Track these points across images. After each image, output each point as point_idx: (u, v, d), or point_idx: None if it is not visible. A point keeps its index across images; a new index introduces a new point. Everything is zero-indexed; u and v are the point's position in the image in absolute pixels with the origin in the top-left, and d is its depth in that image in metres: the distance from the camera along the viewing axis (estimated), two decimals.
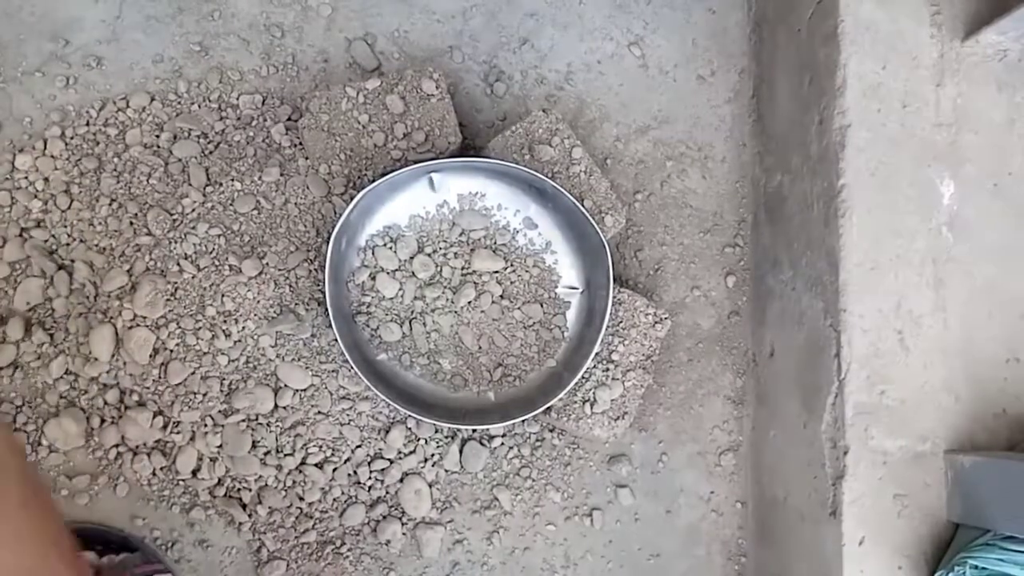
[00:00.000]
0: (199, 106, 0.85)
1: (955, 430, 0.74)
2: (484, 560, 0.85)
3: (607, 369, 0.83)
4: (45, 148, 0.82)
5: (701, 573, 0.89)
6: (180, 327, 0.79)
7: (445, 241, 0.84)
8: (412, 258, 0.83)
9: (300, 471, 0.81)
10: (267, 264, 0.81)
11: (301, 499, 0.80)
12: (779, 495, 0.83)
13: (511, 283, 0.85)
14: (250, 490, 0.80)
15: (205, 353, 0.80)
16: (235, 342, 0.80)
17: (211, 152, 0.84)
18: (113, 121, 0.84)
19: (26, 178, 0.81)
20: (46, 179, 0.81)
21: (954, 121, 0.78)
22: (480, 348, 0.84)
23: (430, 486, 0.83)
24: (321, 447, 0.81)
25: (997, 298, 0.77)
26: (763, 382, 0.89)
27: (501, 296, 0.85)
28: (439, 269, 0.84)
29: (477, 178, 0.85)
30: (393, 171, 0.80)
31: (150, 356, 0.79)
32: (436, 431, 0.84)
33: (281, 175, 0.84)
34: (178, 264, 0.80)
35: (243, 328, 0.80)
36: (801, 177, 0.83)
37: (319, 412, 0.81)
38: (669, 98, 0.95)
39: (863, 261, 0.74)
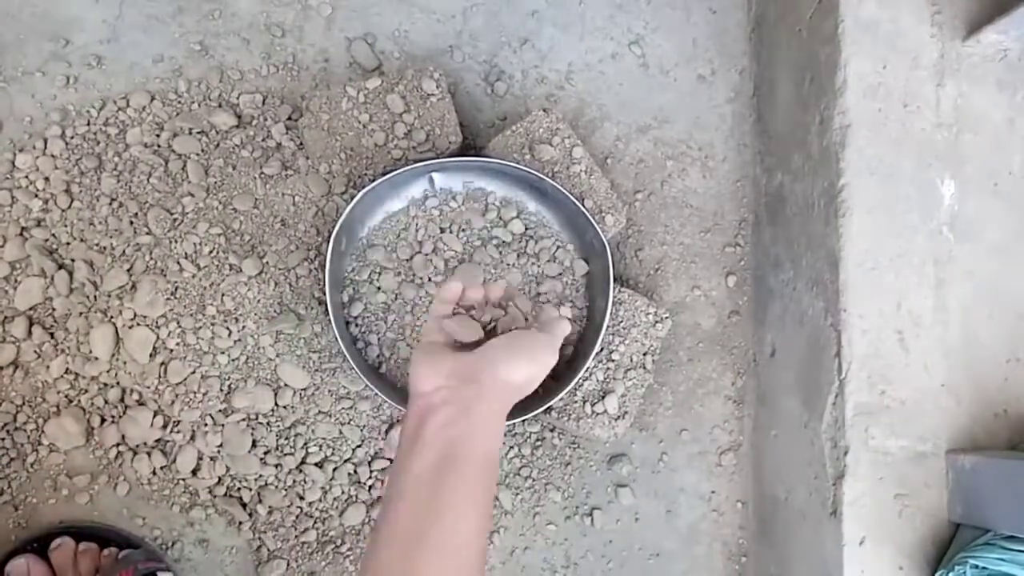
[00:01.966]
0: (199, 105, 0.85)
1: (956, 430, 0.74)
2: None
3: (607, 369, 0.83)
4: (45, 147, 0.82)
5: (701, 573, 0.89)
6: (180, 326, 0.79)
7: (444, 241, 0.84)
8: (412, 257, 0.83)
9: (300, 470, 0.81)
10: (267, 263, 0.82)
11: (301, 498, 0.80)
12: (780, 495, 0.83)
13: (510, 282, 0.85)
14: (250, 489, 0.80)
15: (205, 352, 0.80)
16: (235, 341, 0.80)
17: (212, 151, 0.84)
18: (113, 120, 0.84)
19: (26, 177, 0.81)
20: (46, 178, 0.81)
21: (955, 121, 0.78)
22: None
23: None
24: (321, 446, 0.81)
25: (998, 298, 0.77)
26: (764, 382, 0.89)
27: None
28: (439, 268, 0.84)
29: (478, 177, 0.85)
30: (393, 170, 0.80)
31: (150, 355, 0.79)
32: None
33: (281, 174, 0.84)
34: (178, 263, 0.80)
35: (243, 327, 0.80)
36: (802, 177, 0.83)
37: (319, 411, 0.81)
38: (669, 98, 0.95)
39: (863, 261, 0.74)
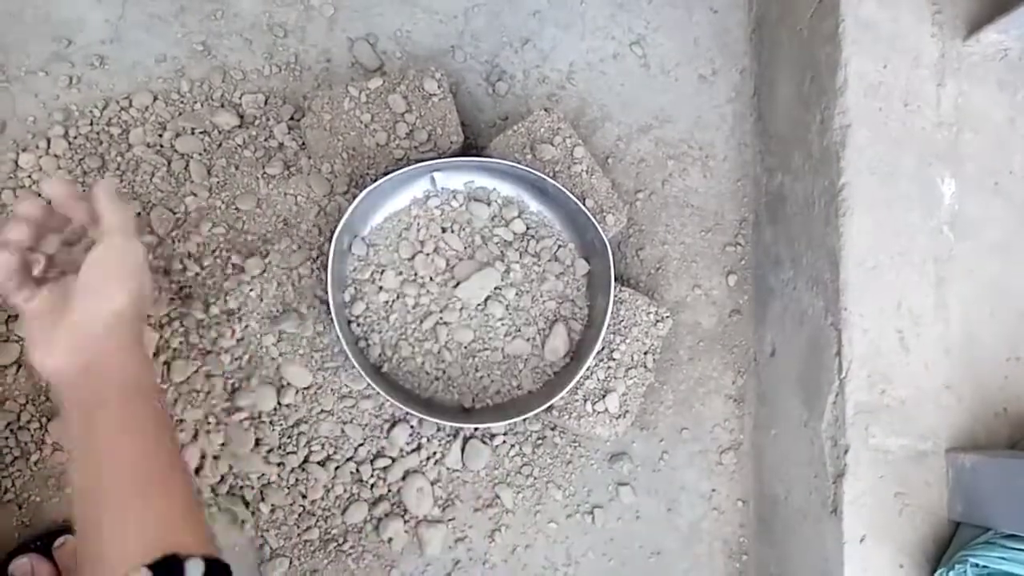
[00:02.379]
0: (202, 105, 0.86)
1: (956, 429, 0.74)
2: (486, 558, 0.85)
3: (609, 367, 0.83)
4: (48, 147, 0.82)
5: (702, 571, 0.89)
6: (183, 325, 0.80)
7: (446, 240, 0.84)
8: (413, 256, 0.84)
9: (303, 469, 0.81)
10: (270, 263, 0.82)
11: (304, 497, 0.81)
12: (780, 493, 0.83)
13: (512, 281, 0.85)
14: (253, 488, 0.80)
15: (208, 352, 0.80)
16: (238, 340, 0.80)
17: (214, 151, 0.84)
18: (116, 120, 0.84)
19: (29, 177, 0.81)
20: (49, 178, 0.82)
21: (955, 120, 0.78)
22: (482, 345, 0.84)
23: (432, 484, 0.84)
24: (324, 445, 0.81)
25: (998, 297, 0.77)
26: (764, 381, 0.89)
27: (502, 294, 0.85)
28: (440, 267, 0.84)
29: (479, 177, 0.86)
30: (395, 170, 0.80)
31: (154, 354, 0.79)
32: (438, 429, 0.84)
33: (284, 174, 0.84)
34: (182, 263, 0.80)
35: (246, 327, 0.80)
36: (802, 176, 0.83)
37: (322, 410, 0.82)
38: (671, 97, 0.95)
39: (864, 260, 0.74)
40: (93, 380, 0.55)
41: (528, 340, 0.85)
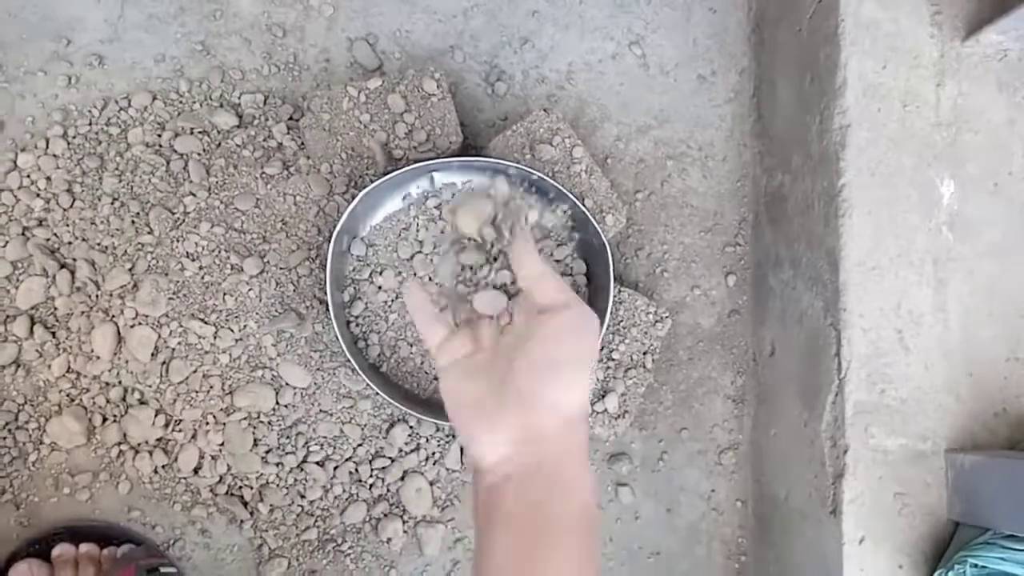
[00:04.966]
0: (201, 105, 0.86)
1: (955, 429, 0.74)
2: None
3: (608, 368, 0.83)
4: (47, 147, 0.82)
5: (701, 572, 0.89)
6: (182, 326, 0.79)
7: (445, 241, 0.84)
8: (413, 256, 0.84)
9: (301, 469, 0.81)
10: (268, 263, 0.82)
11: (302, 497, 0.81)
12: (779, 494, 0.83)
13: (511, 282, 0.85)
14: (251, 488, 0.80)
15: (207, 352, 0.80)
16: (236, 340, 0.80)
17: (213, 151, 0.84)
18: (115, 120, 0.84)
19: (28, 177, 0.81)
20: (48, 178, 0.82)
21: (954, 121, 0.78)
22: None
23: (431, 484, 0.83)
24: (322, 445, 0.81)
25: (997, 297, 0.77)
26: (763, 381, 0.89)
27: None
28: (438, 268, 0.84)
29: (478, 177, 0.86)
30: (394, 170, 0.80)
31: (152, 354, 0.79)
32: (437, 429, 0.84)
33: (283, 174, 0.84)
34: (180, 263, 0.80)
35: (244, 327, 0.80)
36: (802, 177, 0.83)
37: (320, 410, 0.81)
38: (670, 98, 0.95)
39: (863, 260, 0.74)
40: (539, 493, 0.44)
41: None
